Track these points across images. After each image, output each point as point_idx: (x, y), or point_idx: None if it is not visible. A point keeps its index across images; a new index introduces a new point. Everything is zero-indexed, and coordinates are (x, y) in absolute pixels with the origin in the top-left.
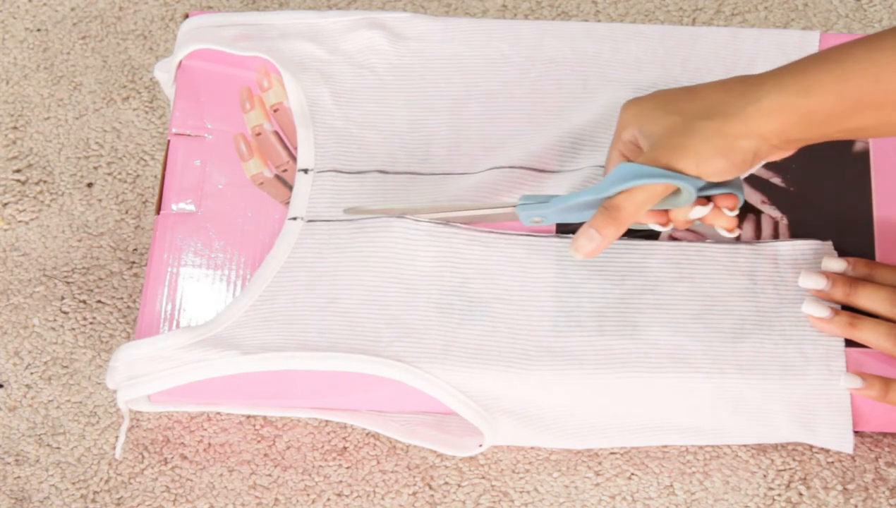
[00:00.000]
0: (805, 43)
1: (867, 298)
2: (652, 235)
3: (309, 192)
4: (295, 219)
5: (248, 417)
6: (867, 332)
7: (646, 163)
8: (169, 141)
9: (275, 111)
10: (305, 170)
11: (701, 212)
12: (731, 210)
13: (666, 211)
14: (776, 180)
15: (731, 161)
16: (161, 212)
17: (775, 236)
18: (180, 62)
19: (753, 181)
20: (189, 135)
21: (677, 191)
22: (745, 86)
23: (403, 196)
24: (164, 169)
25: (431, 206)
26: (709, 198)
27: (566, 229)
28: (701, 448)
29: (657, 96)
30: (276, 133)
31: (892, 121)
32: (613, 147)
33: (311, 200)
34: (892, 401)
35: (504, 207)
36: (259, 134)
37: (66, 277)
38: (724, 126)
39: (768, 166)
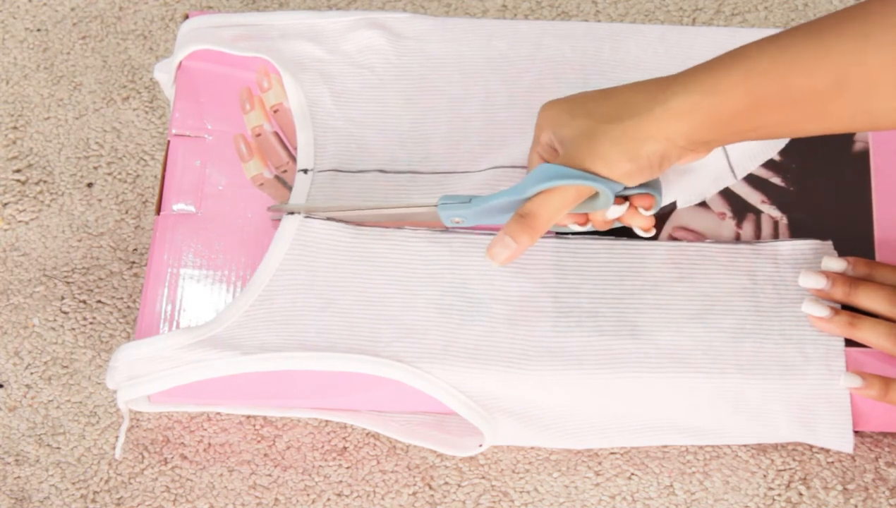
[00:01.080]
0: None
1: (867, 298)
2: (650, 237)
3: (308, 191)
4: (292, 214)
5: (248, 417)
6: (867, 332)
7: (562, 165)
8: (169, 141)
9: (275, 112)
10: (305, 171)
11: (617, 211)
12: (647, 209)
13: (585, 213)
14: (776, 180)
15: (637, 165)
16: (161, 213)
17: (775, 236)
18: (180, 63)
19: (753, 181)
20: (189, 136)
21: (595, 195)
22: (656, 87)
23: (404, 195)
24: (164, 169)
25: (353, 205)
26: (626, 198)
27: (565, 230)
28: (701, 448)
29: (572, 99)
30: (276, 134)
31: (795, 120)
32: (532, 149)
33: (310, 199)
34: (892, 401)
35: (425, 207)
36: (259, 134)
37: (66, 277)
38: (630, 129)
39: (768, 166)
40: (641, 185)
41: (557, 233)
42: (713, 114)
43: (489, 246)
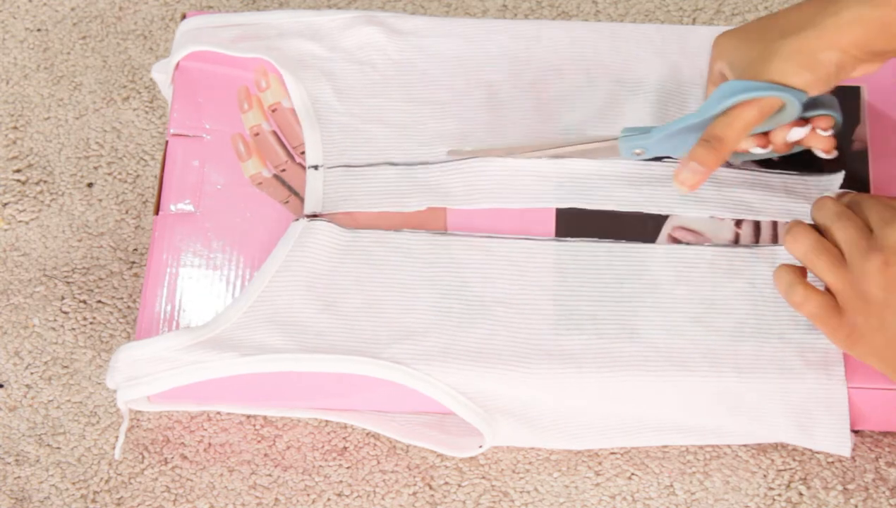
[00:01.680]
0: None
1: (819, 211)
2: (650, 238)
3: (322, 188)
4: (315, 216)
5: (248, 417)
6: (790, 236)
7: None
8: (167, 141)
9: (273, 111)
10: (315, 167)
11: (800, 132)
12: (825, 130)
13: (766, 134)
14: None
15: (815, 74)
16: (160, 213)
17: (774, 240)
18: (178, 63)
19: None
20: (187, 136)
21: (779, 110)
22: (824, 1)
23: (415, 187)
24: (163, 169)
25: (534, 144)
26: (806, 120)
27: (566, 232)
28: (701, 448)
29: (744, 27)
30: (275, 133)
31: None
32: (709, 82)
33: (326, 196)
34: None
35: (606, 140)
36: (257, 134)
37: (66, 277)
38: (804, 40)
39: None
40: (820, 107)
41: (729, 164)
42: (884, 24)
43: (675, 172)
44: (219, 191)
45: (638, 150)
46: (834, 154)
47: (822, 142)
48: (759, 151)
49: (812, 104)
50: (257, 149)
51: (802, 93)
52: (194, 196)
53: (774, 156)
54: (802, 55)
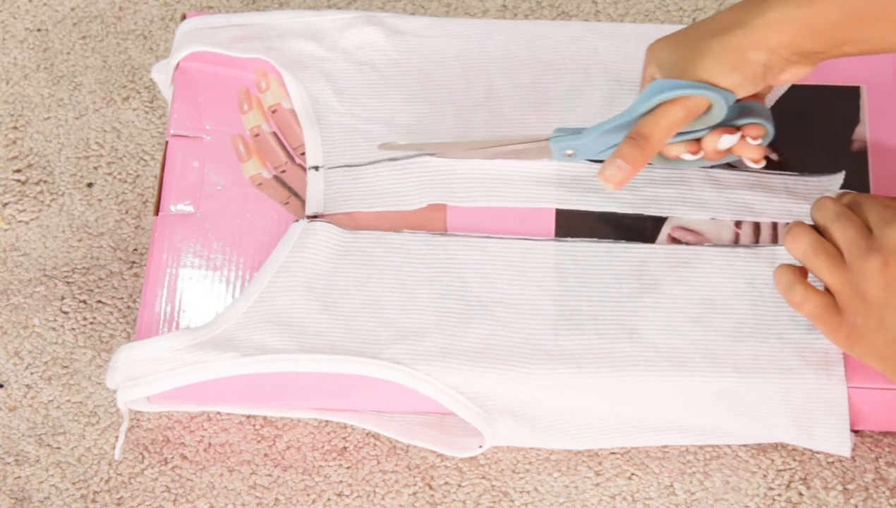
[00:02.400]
0: None
1: (819, 211)
2: (650, 238)
3: (323, 189)
4: (314, 217)
5: (248, 417)
6: (790, 236)
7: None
8: (167, 142)
9: (273, 112)
10: (316, 168)
11: (729, 140)
12: (755, 139)
13: (697, 141)
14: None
15: (743, 74)
16: (160, 214)
17: (774, 240)
18: (178, 64)
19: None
20: (187, 137)
21: (706, 111)
22: (752, 2)
23: (417, 181)
24: (163, 170)
25: (463, 142)
26: (737, 128)
27: (565, 232)
28: (701, 448)
29: (676, 32)
30: (275, 134)
31: (888, 41)
32: (641, 87)
33: (327, 197)
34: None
35: (537, 140)
36: (257, 135)
37: (66, 277)
38: (731, 41)
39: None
40: (752, 115)
41: (731, 166)
42: (813, 25)
43: (601, 169)
44: (219, 192)
45: (569, 151)
46: (762, 163)
47: (751, 151)
48: (690, 158)
49: (744, 112)
50: (257, 150)
51: (730, 94)
52: (194, 197)
53: (706, 165)
54: (730, 55)
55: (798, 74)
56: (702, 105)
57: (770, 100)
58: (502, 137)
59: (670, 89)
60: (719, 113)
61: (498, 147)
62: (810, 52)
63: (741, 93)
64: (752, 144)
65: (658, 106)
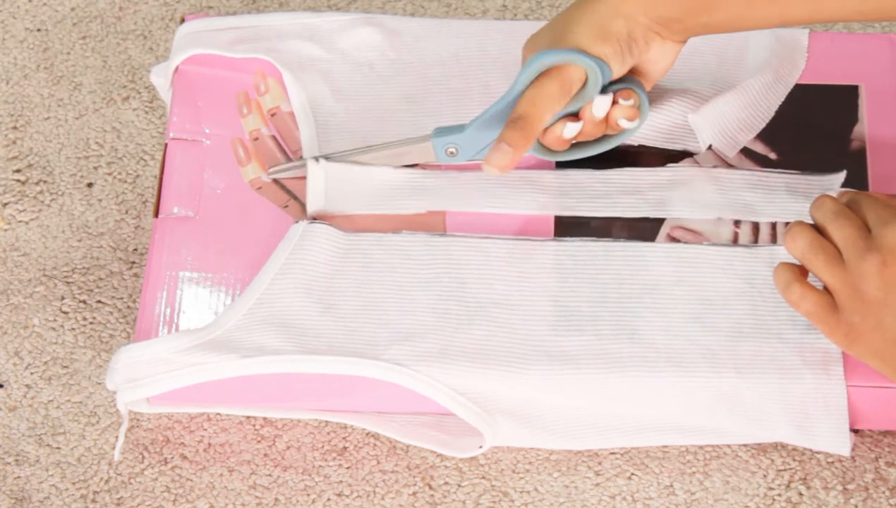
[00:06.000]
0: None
1: (818, 210)
2: (649, 238)
3: (325, 181)
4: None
5: (248, 417)
6: (789, 235)
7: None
8: (166, 145)
9: (272, 115)
10: (316, 159)
11: (602, 102)
12: (627, 99)
13: (575, 114)
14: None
15: (609, 44)
16: (159, 216)
17: (773, 240)
18: (177, 67)
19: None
20: (187, 140)
21: (583, 86)
22: None
23: (417, 187)
24: (162, 173)
25: (345, 150)
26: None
27: (564, 232)
28: (701, 448)
29: (546, 25)
30: (274, 137)
31: (752, 5)
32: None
33: (328, 195)
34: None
35: (418, 140)
36: (257, 138)
37: (66, 277)
38: (591, 12)
39: (764, 165)
40: (622, 83)
41: (731, 166)
42: None
43: (486, 156)
44: (218, 196)
45: (451, 149)
46: (636, 121)
47: (625, 111)
48: (572, 133)
49: (617, 84)
50: (257, 153)
51: (604, 64)
52: (193, 200)
53: (595, 150)
54: (595, 24)
55: (667, 51)
56: (576, 77)
57: (659, 86)
58: (385, 142)
59: (540, 58)
60: (595, 84)
61: (377, 152)
62: (668, 19)
63: (614, 67)
64: (624, 104)
65: (532, 84)
